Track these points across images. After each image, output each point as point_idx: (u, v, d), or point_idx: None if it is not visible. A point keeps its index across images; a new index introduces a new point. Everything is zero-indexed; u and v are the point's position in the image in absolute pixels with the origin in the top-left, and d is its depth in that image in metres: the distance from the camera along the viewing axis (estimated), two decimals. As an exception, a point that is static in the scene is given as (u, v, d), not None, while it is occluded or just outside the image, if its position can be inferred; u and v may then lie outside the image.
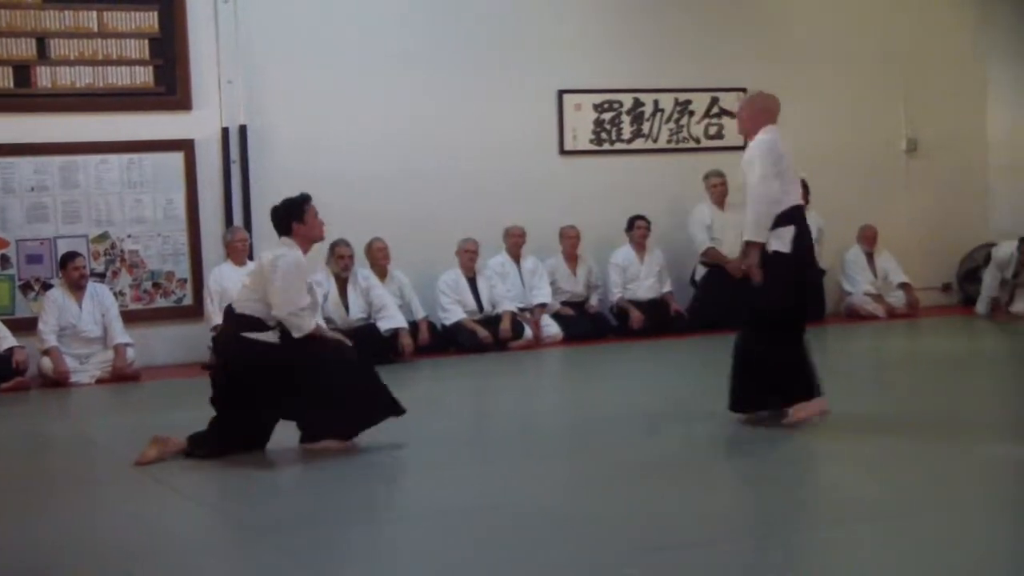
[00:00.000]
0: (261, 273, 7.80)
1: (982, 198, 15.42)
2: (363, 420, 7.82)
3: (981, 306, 13.81)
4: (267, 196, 12.39)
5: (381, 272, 12.32)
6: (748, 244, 7.99)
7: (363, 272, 12.13)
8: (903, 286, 14.43)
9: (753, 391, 8.06)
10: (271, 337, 7.70)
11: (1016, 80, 14.93)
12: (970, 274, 15.00)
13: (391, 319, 11.92)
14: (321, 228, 8.07)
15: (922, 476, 6.71)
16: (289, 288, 7.65)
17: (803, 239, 8.06)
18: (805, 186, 13.92)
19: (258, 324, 7.72)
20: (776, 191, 7.92)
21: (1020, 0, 14.94)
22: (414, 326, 12.20)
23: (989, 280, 13.78)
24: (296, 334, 7.67)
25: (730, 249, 13.67)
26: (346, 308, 11.94)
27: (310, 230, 7.98)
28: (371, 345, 11.72)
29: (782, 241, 7.97)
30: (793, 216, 8.03)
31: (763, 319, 8.02)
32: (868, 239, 14.44)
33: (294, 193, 12.15)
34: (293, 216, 7.92)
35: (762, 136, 8.09)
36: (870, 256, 14.45)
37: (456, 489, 6.74)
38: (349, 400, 7.76)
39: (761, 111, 8.25)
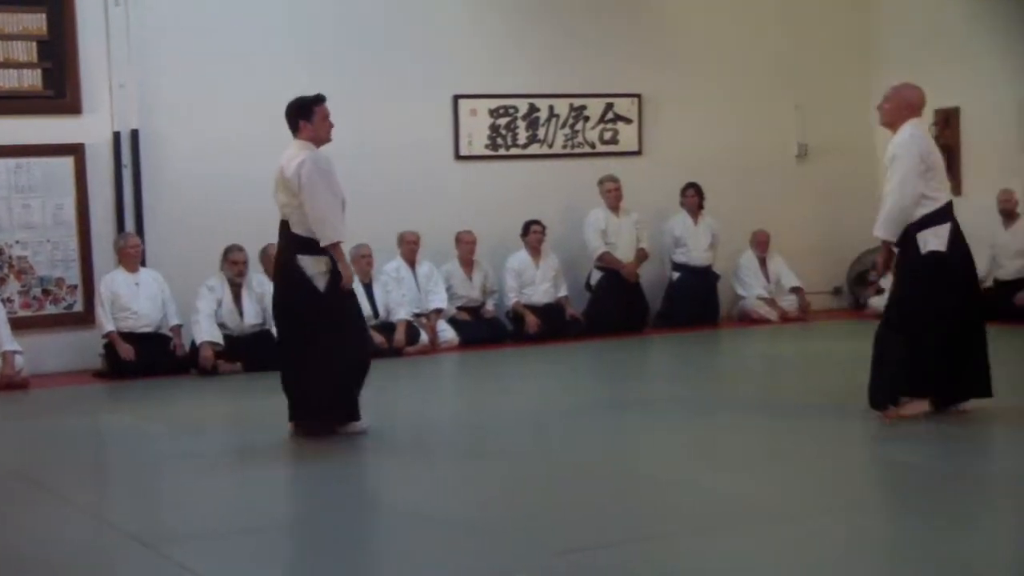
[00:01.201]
0: (286, 184, 7.94)
1: (871, 203, 15.51)
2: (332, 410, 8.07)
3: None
4: (160, 202, 12.37)
5: (276, 278, 12.23)
6: (884, 243, 7.98)
7: (258, 278, 12.03)
8: (795, 290, 14.63)
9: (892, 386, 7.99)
10: (321, 277, 7.86)
11: (904, 87, 15.16)
12: (860, 278, 15.24)
13: (286, 325, 11.82)
14: (329, 130, 8.17)
15: (814, 477, 6.80)
16: (319, 201, 7.82)
17: (958, 237, 7.98)
18: (699, 191, 14.27)
19: (313, 246, 7.88)
20: (917, 191, 7.84)
21: (906, 7, 15.18)
22: (309, 332, 12.11)
23: None
24: (323, 243, 7.83)
25: (624, 254, 13.80)
26: (240, 314, 11.83)
27: (316, 130, 8.12)
28: (266, 351, 11.67)
29: (939, 239, 7.91)
30: (947, 213, 7.97)
31: (916, 321, 7.89)
32: (760, 244, 14.61)
33: (188, 198, 12.15)
34: (301, 114, 8.10)
35: (908, 132, 7.99)
36: (762, 261, 14.62)
37: (349, 494, 6.70)
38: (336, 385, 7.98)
39: (906, 105, 8.14)
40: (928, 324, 7.87)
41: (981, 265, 13.58)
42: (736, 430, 8.21)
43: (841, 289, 15.54)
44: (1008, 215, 13.65)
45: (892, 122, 8.16)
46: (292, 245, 7.98)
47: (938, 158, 8.06)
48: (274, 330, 11.57)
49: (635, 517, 6.15)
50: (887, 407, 7.99)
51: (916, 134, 8.00)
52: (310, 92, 12.70)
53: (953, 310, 7.92)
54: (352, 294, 8.20)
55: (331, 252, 7.92)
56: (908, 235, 7.97)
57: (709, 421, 8.49)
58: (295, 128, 8.17)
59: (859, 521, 5.83)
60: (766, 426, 8.27)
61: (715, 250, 14.33)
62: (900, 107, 8.14)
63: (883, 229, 7.98)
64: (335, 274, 7.97)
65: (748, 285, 14.54)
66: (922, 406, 7.97)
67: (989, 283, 13.67)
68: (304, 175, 7.87)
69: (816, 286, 15.12)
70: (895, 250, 8.07)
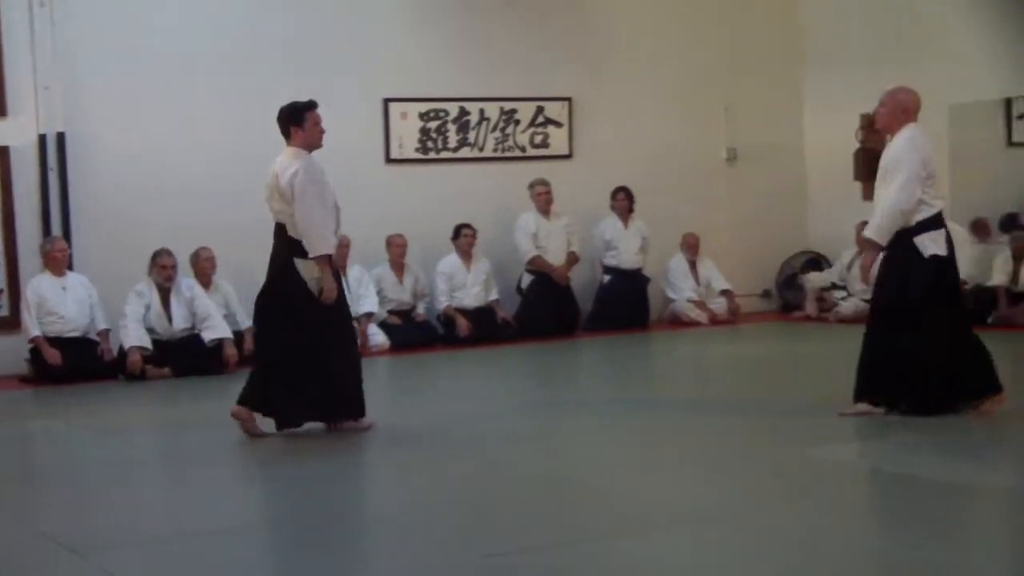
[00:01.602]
0: (282, 193, 8.04)
1: (800, 206, 15.80)
2: (321, 410, 8.19)
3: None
4: (87, 205, 12.25)
5: (206, 281, 12.15)
6: (868, 242, 8.00)
7: (187, 282, 11.94)
8: (725, 293, 14.72)
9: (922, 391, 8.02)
10: (315, 282, 7.98)
11: (831, 91, 15.32)
12: (789, 280, 15.37)
13: (215, 329, 11.75)
14: (320, 136, 8.29)
15: (742, 478, 6.84)
16: (309, 212, 7.96)
17: (950, 242, 8.06)
18: (629, 195, 14.33)
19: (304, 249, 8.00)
20: (916, 196, 7.89)
21: (835, 12, 15.33)
22: (239, 336, 12.04)
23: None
24: (312, 254, 7.95)
25: (555, 257, 13.84)
26: (169, 319, 11.73)
27: (308, 136, 8.22)
28: (195, 356, 11.61)
29: (938, 245, 7.97)
30: (941, 220, 8.04)
31: (925, 321, 7.95)
32: (690, 247, 14.69)
33: (116, 202, 12.04)
34: (293, 120, 8.17)
35: (908, 137, 8.02)
36: (692, 264, 14.70)
37: (278, 498, 6.67)
38: (325, 385, 8.09)
39: (901, 109, 8.16)
40: (940, 325, 7.96)
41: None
42: (667, 432, 8.25)
43: (770, 292, 15.66)
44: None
45: (888, 126, 8.22)
46: (289, 248, 8.13)
47: (935, 165, 8.13)
48: (205, 334, 11.67)
49: (565, 520, 6.16)
50: (941, 410, 8.02)
51: (917, 140, 8.05)
52: (235, 96, 12.83)
53: (956, 311, 8.07)
54: (343, 301, 8.34)
55: (317, 264, 8.02)
56: (903, 240, 8.04)
57: (640, 423, 8.52)
58: (287, 134, 8.27)
59: (785, 520, 5.88)
60: (696, 428, 8.31)
61: (645, 253, 14.39)
62: (896, 111, 8.18)
63: (878, 232, 8.01)
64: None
65: (678, 288, 14.61)
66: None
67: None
68: (297, 186, 8.00)
69: (745, 289, 15.22)
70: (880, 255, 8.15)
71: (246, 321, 12.24)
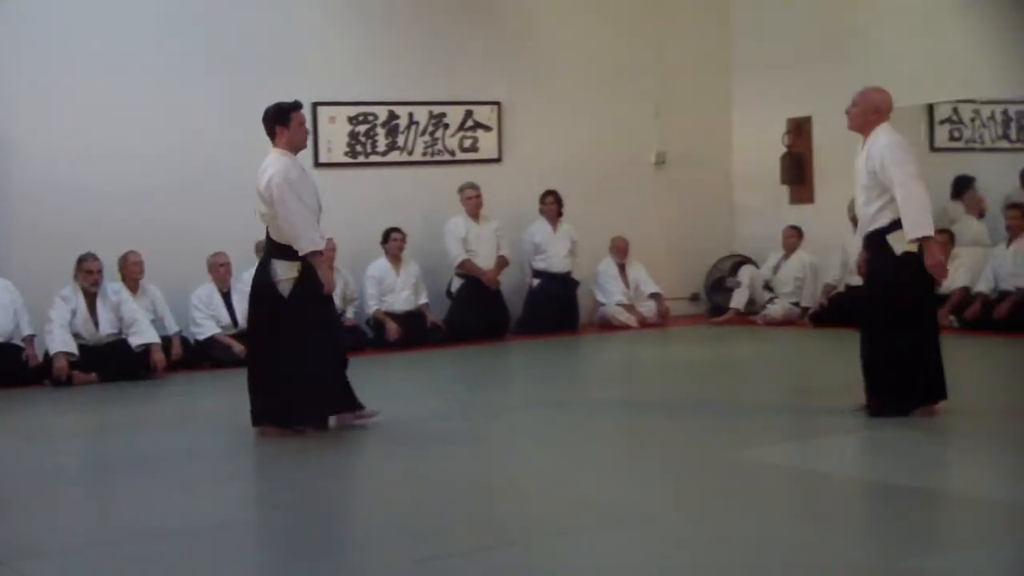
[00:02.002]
0: (260, 195, 8.15)
1: (727, 210, 15.92)
2: (315, 410, 8.28)
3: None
4: (12, 208, 12.12)
5: (133, 286, 12.05)
6: (925, 239, 7.87)
7: (113, 286, 11.83)
8: (654, 296, 14.80)
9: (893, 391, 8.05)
10: (287, 284, 8.08)
11: (759, 95, 15.46)
12: (717, 284, 15.47)
13: (142, 334, 11.65)
14: (305, 137, 8.47)
15: (672, 479, 6.89)
16: (289, 214, 8.05)
17: None
18: (558, 199, 14.37)
19: (289, 252, 8.12)
20: (924, 184, 7.92)
21: (762, 18, 15.46)
22: (167, 341, 11.96)
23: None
24: (301, 252, 8.06)
25: (484, 261, 13.85)
26: (95, 324, 11.62)
27: (293, 136, 8.33)
28: (122, 361, 11.51)
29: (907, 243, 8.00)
30: None
31: (897, 319, 8.00)
32: (620, 250, 14.75)
33: (41, 205, 11.91)
34: (279, 120, 8.28)
35: (887, 139, 8.03)
36: (622, 267, 14.77)
37: (208, 505, 6.63)
38: (310, 386, 8.17)
39: (873, 109, 8.19)
40: (913, 323, 8.03)
41: (834, 271, 13.99)
42: (596, 435, 8.29)
43: (699, 295, 15.76)
44: (858, 223, 13.91)
45: (860, 126, 8.25)
46: (270, 250, 8.27)
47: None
48: (132, 340, 11.58)
49: (495, 523, 6.18)
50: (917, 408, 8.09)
51: (898, 140, 8.10)
52: (162, 99, 12.74)
53: (929, 308, 8.16)
54: (325, 301, 8.39)
55: (310, 261, 8.14)
56: (877, 240, 8.12)
57: (569, 426, 8.54)
58: (272, 134, 8.39)
59: (712, 522, 5.92)
60: (626, 430, 8.36)
61: (574, 257, 14.44)
62: (867, 112, 8.24)
63: (921, 228, 7.90)
64: (311, 281, 8.18)
65: (607, 291, 14.67)
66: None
67: (841, 288, 13.99)
68: (275, 189, 8.11)
69: (674, 292, 15.31)
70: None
71: (174, 326, 12.19)
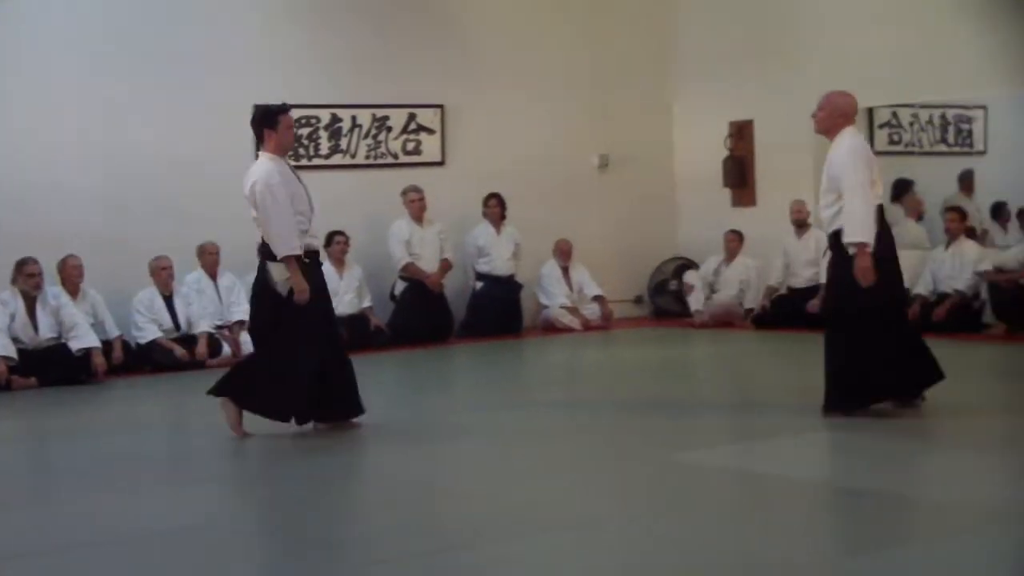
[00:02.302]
0: (248, 199, 8.28)
1: (670, 212, 16.00)
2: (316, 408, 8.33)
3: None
4: (-52, 212, 11.98)
5: (73, 290, 11.94)
6: (859, 246, 7.97)
7: (53, 291, 11.72)
8: (597, 298, 14.83)
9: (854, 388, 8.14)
10: (284, 284, 8.14)
11: (701, 99, 15.54)
12: (660, 286, 15.54)
13: (83, 338, 11.55)
14: (292, 139, 8.64)
15: (619, 482, 6.90)
16: (267, 219, 8.16)
17: (884, 239, 8.16)
18: (501, 202, 14.38)
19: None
20: (871, 193, 8.02)
21: (703, 21, 15.54)
22: (107, 345, 11.86)
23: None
24: (278, 256, 8.13)
25: (428, 264, 13.84)
26: (35, 328, 11.51)
27: (280, 139, 8.41)
28: (62, 365, 11.40)
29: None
30: (876, 218, 8.11)
31: (852, 319, 8.10)
32: (563, 253, 14.78)
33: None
34: (266, 123, 8.38)
35: (848, 145, 8.12)
36: (565, 270, 14.79)
37: (145, 512, 6.57)
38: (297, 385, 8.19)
39: (839, 112, 8.26)
40: (868, 322, 8.09)
41: (776, 273, 14.09)
42: (541, 436, 8.28)
43: (642, 298, 15.82)
44: (800, 225, 14.06)
45: (827, 130, 8.34)
46: (264, 252, 8.31)
47: (876, 167, 8.25)
48: (72, 344, 11.48)
49: (444, 526, 6.18)
50: (853, 410, 8.18)
51: (856, 146, 8.19)
52: (101, 102, 12.63)
53: (884, 308, 8.16)
54: (322, 301, 8.42)
55: (286, 265, 8.17)
56: (835, 242, 8.22)
57: (513, 429, 8.53)
58: (260, 137, 8.50)
59: (658, 523, 5.94)
60: (569, 433, 8.37)
61: (518, 260, 14.45)
62: (833, 115, 8.31)
63: (864, 234, 8.03)
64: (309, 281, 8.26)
65: (551, 294, 14.70)
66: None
67: (783, 291, 14.10)
68: (258, 194, 8.23)
69: (618, 295, 15.36)
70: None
71: (115, 330, 12.09)
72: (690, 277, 14.88)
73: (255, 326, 8.64)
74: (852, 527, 5.87)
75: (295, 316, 8.20)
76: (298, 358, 8.24)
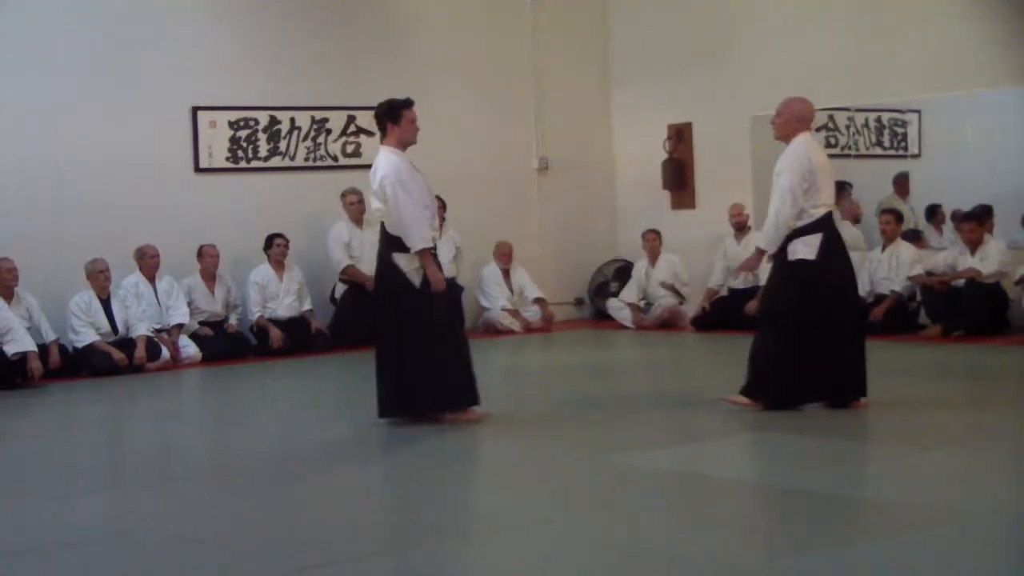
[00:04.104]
0: (374, 193, 8.37)
1: (610, 215, 16.05)
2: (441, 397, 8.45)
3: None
4: None
5: (8, 294, 11.81)
6: (758, 249, 8.38)
7: (-13, 292, 11.62)
8: (538, 301, 14.85)
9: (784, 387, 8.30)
10: (415, 273, 8.30)
11: (639, 101, 15.61)
12: (601, 288, 15.58)
13: (18, 342, 11.42)
14: (415, 134, 8.57)
15: (559, 484, 6.91)
16: (401, 213, 8.27)
17: (831, 246, 8.23)
18: (442, 204, 14.34)
19: (405, 244, 8.30)
20: (798, 207, 8.12)
21: (641, 25, 15.60)
22: (44, 349, 11.75)
23: None
24: (412, 250, 8.28)
25: (368, 267, 13.78)
26: (-30, 332, 11.40)
27: (403, 134, 8.48)
28: (-3, 370, 11.30)
29: (809, 248, 8.16)
30: (822, 224, 8.21)
31: (778, 322, 8.26)
32: (503, 256, 14.79)
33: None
34: (390, 117, 8.46)
35: (793, 150, 8.19)
36: (506, 272, 14.80)
37: (84, 518, 6.51)
38: (437, 374, 8.36)
39: (796, 118, 8.33)
40: (792, 328, 8.22)
41: (716, 276, 14.17)
42: (478, 439, 8.26)
43: (583, 300, 15.87)
44: (739, 228, 14.15)
45: (785, 136, 8.42)
46: (389, 244, 8.42)
47: (824, 174, 8.30)
48: (7, 348, 11.35)
49: (380, 531, 6.16)
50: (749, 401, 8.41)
51: (801, 152, 8.25)
52: (34, 105, 12.51)
53: (817, 316, 8.22)
54: (451, 289, 8.69)
55: (420, 258, 8.31)
56: (782, 245, 8.32)
57: (451, 431, 8.51)
58: (383, 130, 8.55)
59: (596, 525, 5.95)
60: (510, 434, 8.36)
61: (458, 262, 14.44)
62: (791, 121, 8.39)
63: (765, 242, 8.34)
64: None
65: (492, 297, 14.70)
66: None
67: (724, 293, 14.18)
68: (388, 188, 8.31)
69: (558, 297, 15.40)
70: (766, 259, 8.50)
71: (51, 334, 11.97)
72: (626, 295, 14.88)
73: (383, 321, 8.53)
74: (792, 527, 5.91)
75: (428, 306, 8.35)
76: (433, 347, 8.36)
